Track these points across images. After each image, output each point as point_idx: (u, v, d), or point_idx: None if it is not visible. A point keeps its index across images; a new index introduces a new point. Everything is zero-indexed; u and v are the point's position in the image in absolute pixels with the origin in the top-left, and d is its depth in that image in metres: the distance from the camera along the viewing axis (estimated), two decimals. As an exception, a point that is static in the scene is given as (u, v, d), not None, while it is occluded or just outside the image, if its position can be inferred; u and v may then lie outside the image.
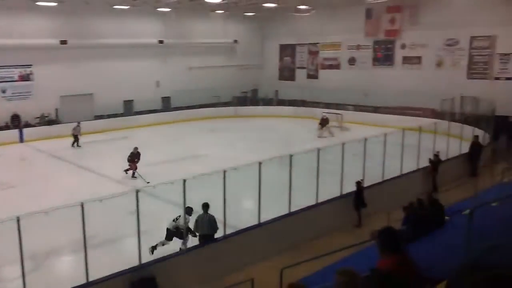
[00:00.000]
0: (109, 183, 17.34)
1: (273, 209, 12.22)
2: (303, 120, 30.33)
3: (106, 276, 9.09)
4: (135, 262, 9.49)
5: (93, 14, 29.99)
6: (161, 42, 33.68)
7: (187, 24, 34.95)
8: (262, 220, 11.41)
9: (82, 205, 8.75)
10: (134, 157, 18.62)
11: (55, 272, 11.13)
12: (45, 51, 28.71)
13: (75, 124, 25.65)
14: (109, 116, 30.17)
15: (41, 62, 28.77)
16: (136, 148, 18.89)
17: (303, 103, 33.47)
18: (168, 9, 32.02)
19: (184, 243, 10.67)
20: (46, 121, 28.74)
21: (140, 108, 32.02)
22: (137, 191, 9.63)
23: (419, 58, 30.32)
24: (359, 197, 13.06)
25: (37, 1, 25.91)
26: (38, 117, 28.67)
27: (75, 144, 25.08)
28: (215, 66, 36.99)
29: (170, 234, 10.96)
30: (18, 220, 8.02)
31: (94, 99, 30.88)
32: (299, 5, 31.88)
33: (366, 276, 3.61)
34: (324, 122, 26.18)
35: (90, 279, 8.88)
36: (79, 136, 25.14)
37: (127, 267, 9.46)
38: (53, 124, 28.58)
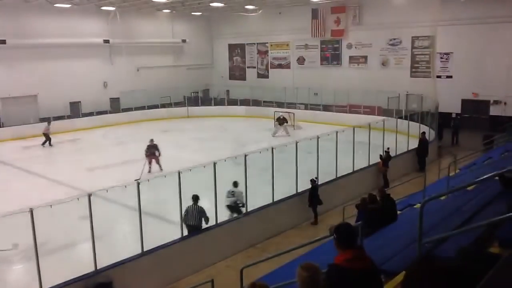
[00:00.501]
0: (58, 188, 16.74)
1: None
2: (255, 119, 30.54)
3: (60, 284, 8.82)
4: (90, 268, 9.27)
5: (33, 12, 28.82)
6: (106, 41, 32.82)
7: (133, 24, 34.24)
8: (219, 221, 11.42)
9: (31, 211, 8.44)
10: (151, 150, 18.15)
11: (6, 281, 10.63)
12: (-18, 51, 27.31)
13: (45, 124, 25.23)
14: (55, 119, 29.02)
15: (-22, 62, 27.33)
16: (151, 140, 18.38)
17: (254, 103, 33.69)
18: (112, 8, 31.25)
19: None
20: (-13, 124, 27.36)
21: (87, 110, 31.06)
22: (89, 195, 9.39)
23: (365, 57, 31.30)
24: (314, 194, 13.33)
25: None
26: (-22, 121, 27.25)
27: (47, 143, 24.42)
28: (164, 66, 36.59)
29: (233, 209, 11.87)
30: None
31: (38, 101, 29.68)
32: (246, 5, 32.10)
33: (324, 272, 3.74)
34: (281, 122, 26.49)
35: (44, 287, 8.58)
36: (50, 135, 24.49)
37: (82, 273, 9.21)
38: (-5, 127, 27.26)
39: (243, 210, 12.30)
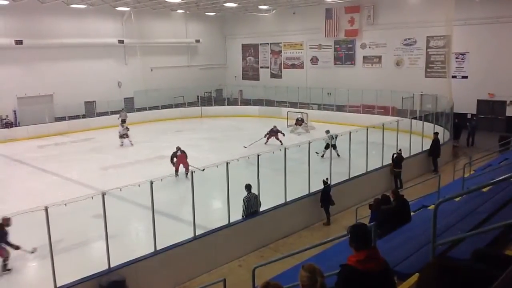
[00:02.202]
0: (73, 186, 16.91)
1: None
2: (268, 119, 30.40)
3: (75, 281, 8.90)
4: (104, 266, 9.35)
5: (50, 13, 29.21)
6: (121, 42, 33.10)
7: (147, 24, 34.50)
8: (231, 220, 11.43)
9: (46, 209, 8.53)
10: (174, 156, 18.00)
11: (21, 278, 10.78)
12: (0, 51, 27.71)
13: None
14: (70, 118, 29.39)
15: (-5, 63, 27.77)
16: (178, 148, 18.28)
17: (268, 103, 33.67)
18: (127, 9, 31.52)
19: None
20: (4, 123, 27.76)
21: (102, 110, 31.36)
22: (103, 194, 9.49)
23: (379, 57, 31.08)
24: (326, 195, 13.27)
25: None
26: (-4, 120, 27.68)
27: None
28: (178, 66, 36.79)
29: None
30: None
31: (54, 100, 30.05)
32: (260, 5, 32.12)
33: (338, 273, 3.74)
34: (299, 123, 26.61)
35: (58, 285, 8.68)
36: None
37: (96, 271, 9.29)
38: (11, 126, 27.65)
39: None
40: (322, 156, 18.38)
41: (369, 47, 31.53)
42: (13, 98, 28.35)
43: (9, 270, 10.91)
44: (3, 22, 27.77)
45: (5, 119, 27.92)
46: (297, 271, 3.80)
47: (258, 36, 38.01)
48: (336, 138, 18.03)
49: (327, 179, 13.55)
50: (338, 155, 18.07)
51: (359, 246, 3.71)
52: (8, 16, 27.80)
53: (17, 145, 25.23)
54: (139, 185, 10.08)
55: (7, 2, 25.99)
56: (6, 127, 27.46)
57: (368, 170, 15.69)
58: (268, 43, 38.09)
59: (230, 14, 37.68)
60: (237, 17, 38.21)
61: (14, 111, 28.43)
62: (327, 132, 19.34)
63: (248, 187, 11.97)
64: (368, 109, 28.64)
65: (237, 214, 11.76)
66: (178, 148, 18.21)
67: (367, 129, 15.57)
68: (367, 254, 3.68)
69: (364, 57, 31.88)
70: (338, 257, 7.88)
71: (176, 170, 17.37)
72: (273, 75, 38.07)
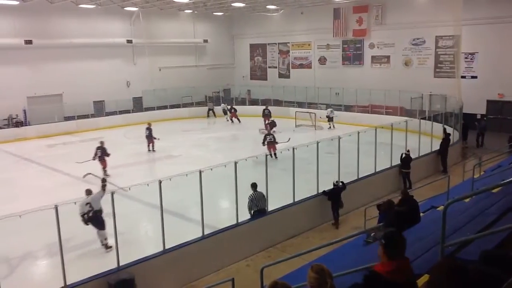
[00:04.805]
0: (82, 185, 16.96)
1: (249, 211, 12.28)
2: (276, 119, 30.40)
3: (84, 279, 8.98)
4: (113, 264, 9.41)
5: (58, 13, 29.48)
6: (129, 42, 33.28)
7: (155, 24, 34.67)
8: (240, 220, 11.46)
9: (56, 208, 8.61)
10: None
11: (31, 276, 10.88)
12: (10, 51, 28.05)
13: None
14: (79, 117, 29.61)
15: (6, 62, 28.03)
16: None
17: (276, 103, 33.66)
18: (135, 9, 31.69)
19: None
20: (14, 122, 28.02)
21: (111, 109, 31.56)
22: (112, 193, 9.56)
23: (387, 57, 30.98)
24: (336, 197, 13.22)
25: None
26: (6, 119, 27.91)
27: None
28: (186, 66, 36.90)
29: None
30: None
31: (63, 100, 30.27)
32: (268, 5, 32.15)
33: (364, 277, 3.66)
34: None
35: (68, 283, 8.75)
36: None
37: (105, 270, 9.36)
38: (21, 125, 27.90)
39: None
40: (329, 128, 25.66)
41: (378, 47, 31.44)
42: (23, 98, 28.61)
43: (108, 176, 15.87)
44: (13, 22, 28.03)
45: (15, 118, 28.20)
46: (305, 271, 3.80)
47: (266, 36, 38.04)
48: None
49: (337, 181, 13.51)
50: (333, 127, 25.52)
51: (393, 255, 3.55)
52: (18, 16, 28.05)
53: (26, 144, 25.47)
54: (147, 184, 10.14)
55: (17, 3, 26.25)
56: (16, 126, 27.73)
57: (376, 170, 15.65)
58: (276, 43, 38.10)
59: (238, 14, 37.74)
60: (245, 17, 38.26)
61: (24, 111, 28.68)
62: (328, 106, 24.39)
63: (253, 185, 12.04)
64: (376, 109, 28.55)
65: (245, 214, 11.79)
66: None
67: (376, 129, 15.52)
68: (399, 265, 3.53)
69: (373, 57, 31.79)
70: (346, 258, 7.90)
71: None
72: (281, 75, 38.07)
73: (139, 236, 12.85)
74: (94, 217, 11.23)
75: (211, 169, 10.98)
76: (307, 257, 7.63)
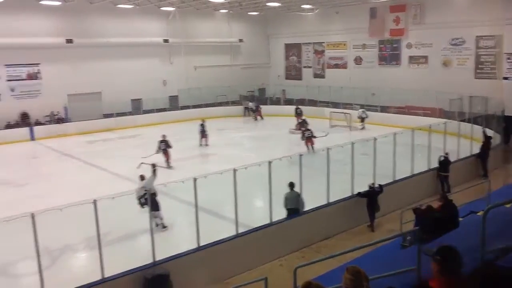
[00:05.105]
0: (120, 181, 17.48)
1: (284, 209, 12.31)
2: (310, 119, 30.25)
3: (121, 273, 9.21)
4: (149, 259, 9.61)
5: (98, 13, 30.32)
6: (166, 41, 33.87)
7: (191, 23, 35.12)
8: (273, 219, 11.48)
9: (95, 202, 8.86)
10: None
11: (71, 268, 11.27)
12: (52, 50, 29.05)
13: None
14: (117, 115, 30.40)
15: (49, 61, 29.09)
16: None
17: (310, 103, 33.49)
18: (172, 8, 32.21)
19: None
20: (56, 119, 28.99)
21: (148, 107, 32.23)
22: (148, 190, 9.75)
23: (425, 57, 30.30)
24: (373, 200, 13.05)
25: (40, 0, 26.20)
26: (48, 115, 28.92)
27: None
28: (221, 65, 37.16)
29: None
30: (33, 217, 8.12)
31: (102, 97, 31.10)
32: (303, 4, 32.03)
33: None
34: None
35: (105, 276, 9.00)
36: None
37: (140, 264, 9.57)
38: (62, 122, 28.84)
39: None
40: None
41: (415, 47, 30.79)
42: (64, 95, 29.56)
43: (172, 167, 18.16)
44: (55, 22, 29.03)
45: (56, 115, 29.17)
46: (339, 273, 3.79)
47: (301, 36, 37.86)
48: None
49: (373, 184, 13.35)
50: (365, 128, 26.47)
51: (449, 273, 3.41)
52: (59, 16, 29.02)
53: (67, 140, 26.34)
54: (183, 182, 10.32)
55: (59, 3, 27.12)
56: (57, 123, 28.69)
57: (413, 173, 15.36)
58: (311, 43, 37.90)
59: (273, 13, 37.76)
60: (280, 17, 38.22)
61: (65, 108, 29.63)
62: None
63: (290, 184, 12.09)
64: (413, 111, 27.97)
65: (279, 213, 11.81)
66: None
67: (413, 131, 15.24)
68: (455, 282, 3.37)
69: (410, 57, 31.16)
70: (381, 261, 7.79)
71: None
72: (316, 75, 37.85)
73: (174, 233, 13.07)
74: (149, 200, 11.79)
75: (245, 168, 11.05)
76: (342, 258, 7.59)
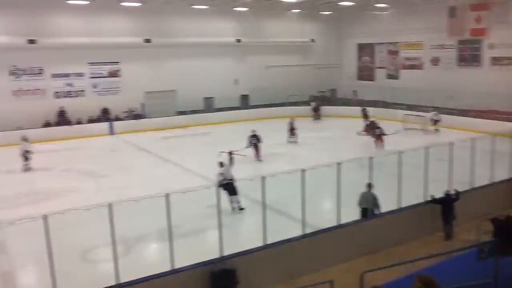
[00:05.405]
0: (191, 177, 18.05)
1: (353, 211, 12.09)
2: (383, 122, 29.42)
3: (190, 265, 9.49)
4: (216, 254, 9.83)
5: (174, 13, 31.51)
6: (238, 41, 34.42)
7: (263, 23, 35.56)
8: (341, 222, 11.32)
9: (167, 196, 9.18)
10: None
11: (143, 257, 11.81)
12: (131, 49, 30.66)
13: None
14: (190, 112, 31.44)
15: (128, 59, 30.72)
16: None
17: (383, 104, 32.55)
18: (245, 9, 32.69)
19: None
20: (133, 115, 30.47)
21: (219, 105, 33.00)
22: (218, 186, 9.98)
23: (510, 58, 28.41)
24: (449, 209, 12.45)
25: (121, 2, 27.60)
26: (126, 111, 30.47)
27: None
28: (292, 65, 37.15)
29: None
30: (110, 207, 8.57)
31: (177, 95, 32.24)
32: (377, 3, 31.21)
33: None
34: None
35: (175, 267, 9.31)
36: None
37: (208, 258, 9.80)
38: (139, 118, 30.27)
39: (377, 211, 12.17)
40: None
41: (499, 48, 28.96)
42: (141, 92, 31.03)
43: (261, 161, 20.25)
44: (135, 23, 30.64)
45: (133, 111, 30.66)
46: (407, 281, 3.67)
47: (375, 36, 36.88)
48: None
49: (448, 191, 12.74)
50: (437, 131, 25.98)
51: None
52: (139, 17, 30.55)
53: (143, 135, 27.62)
54: (251, 180, 10.46)
55: (139, 4, 28.46)
56: (134, 119, 30.14)
57: (493, 181, 14.47)
58: (384, 43, 36.84)
59: (346, 13, 37.17)
60: (353, 16, 37.51)
61: (142, 104, 31.06)
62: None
63: (368, 185, 11.99)
64: (496, 115, 26.28)
65: (347, 216, 11.62)
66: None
67: (494, 137, 14.37)
68: None
69: (492, 58, 29.37)
70: (455, 272, 7.44)
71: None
72: (389, 76, 36.75)
73: (241, 229, 13.28)
74: (228, 185, 13.40)
75: (314, 168, 10.99)
76: (411, 266, 7.33)
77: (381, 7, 32.88)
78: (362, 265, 10.25)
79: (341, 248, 11.14)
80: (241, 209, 13.78)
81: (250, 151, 20.64)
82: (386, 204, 12.40)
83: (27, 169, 20.21)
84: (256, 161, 20.49)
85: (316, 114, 32.61)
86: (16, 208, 14.80)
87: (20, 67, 28.02)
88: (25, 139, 21.05)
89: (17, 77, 28.07)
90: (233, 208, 13.67)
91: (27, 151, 20.31)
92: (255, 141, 20.83)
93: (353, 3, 30.43)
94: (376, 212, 12.08)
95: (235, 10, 32.93)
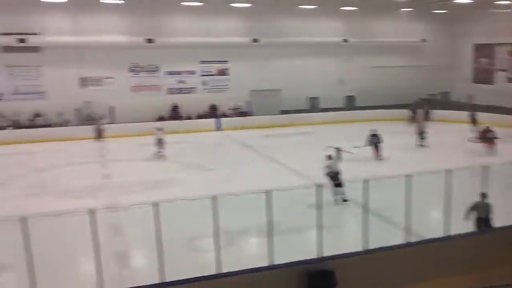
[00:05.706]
0: (292, 175, 18.21)
1: (462, 223, 11.27)
2: (501, 129, 26.91)
3: (288, 263, 9.53)
4: (313, 254, 9.76)
5: (281, 14, 31.92)
6: (345, 41, 33.92)
7: (371, 23, 34.72)
8: (450, 233, 10.61)
9: (267, 193, 9.31)
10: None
11: (243, 249, 12.16)
12: (239, 48, 31.80)
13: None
14: (294, 112, 31.69)
15: (236, 58, 31.94)
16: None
17: (503, 110, 29.71)
18: (352, 8, 32.12)
19: None
20: (238, 112, 31.49)
21: (324, 106, 32.84)
22: (320, 187, 9.92)
23: None
24: None
25: (231, 3, 28.59)
26: (232, 108, 31.59)
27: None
28: (400, 66, 35.68)
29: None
30: (214, 199, 8.91)
31: (281, 94, 32.64)
32: (498, 0, 28.68)
33: None
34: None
35: (273, 263, 9.42)
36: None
37: (306, 258, 9.77)
38: (244, 115, 31.19)
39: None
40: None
41: None
42: (247, 91, 31.95)
43: (382, 159, 20.57)
44: (244, 23, 31.77)
45: (239, 108, 31.68)
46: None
47: (494, 35, 33.86)
48: None
49: None
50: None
51: None
52: (247, 17, 31.50)
53: (248, 132, 28.45)
54: (354, 182, 10.26)
55: (249, 5, 29.24)
56: (240, 116, 31.15)
57: None
58: (506, 43, 33.74)
59: (461, 11, 34.56)
60: (469, 15, 34.80)
61: (247, 102, 31.96)
62: None
63: (482, 195, 11.14)
64: None
65: (456, 228, 10.85)
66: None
67: None
68: None
69: None
70: None
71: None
72: (510, 80, 33.64)
73: (341, 231, 13.08)
74: (333, 177, 14.26)
75: (420, 174, 10.48)
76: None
77: (502, 4, 30.10)
78: (470, 283, 9.57)
79: (447, 260, 10.41)
80: (345, 200, 14.13)
81: (358, 150, 20.44)
82: (501, 218, 11.38)
83: (160, 156, 21.99)
84: (377, 160, 20.80)
85: (426, 118, 30.73)
86: (130, 195, 16.11)
87: (139, 64, 30.41)
88: (160, 129, 22.79)
89: (136, 74, 30.58)
90: (336, 200, 14.11)
91: (161, 140, 22.13)
92: (376, 140, 21.01)
93: (470, 0, 28.26)
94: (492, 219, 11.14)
95: (342, 9, 32.50)
